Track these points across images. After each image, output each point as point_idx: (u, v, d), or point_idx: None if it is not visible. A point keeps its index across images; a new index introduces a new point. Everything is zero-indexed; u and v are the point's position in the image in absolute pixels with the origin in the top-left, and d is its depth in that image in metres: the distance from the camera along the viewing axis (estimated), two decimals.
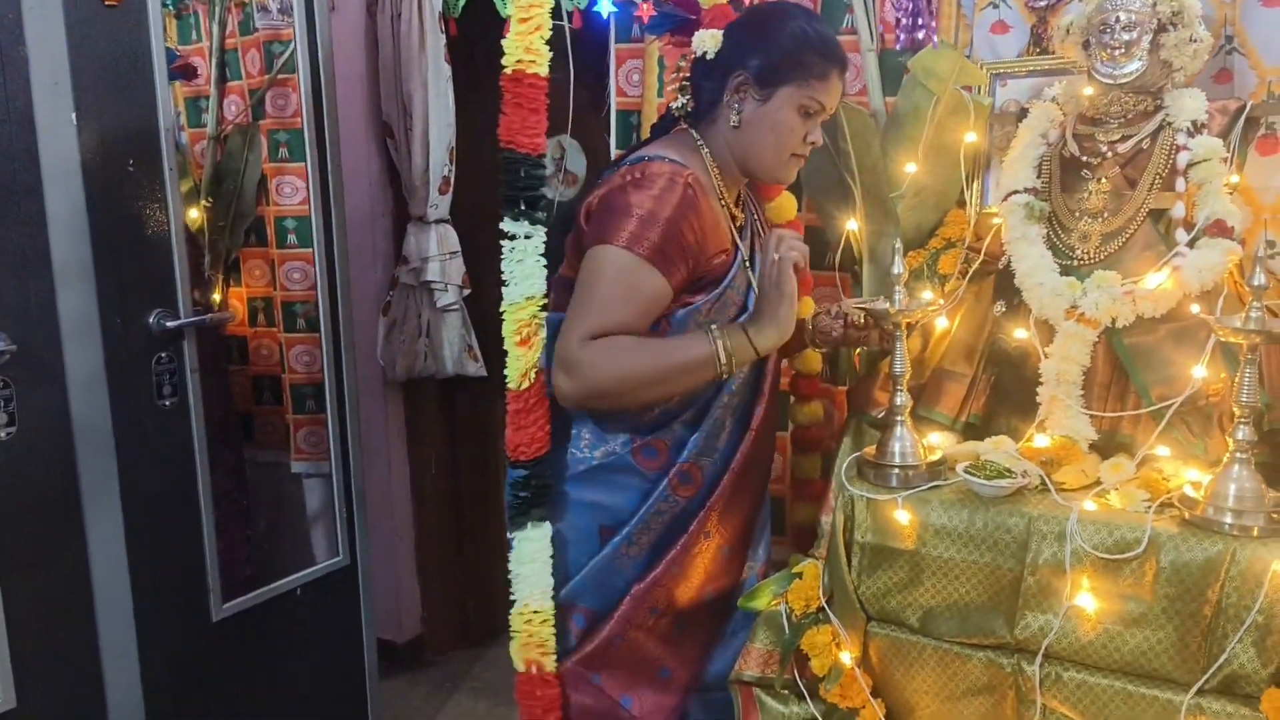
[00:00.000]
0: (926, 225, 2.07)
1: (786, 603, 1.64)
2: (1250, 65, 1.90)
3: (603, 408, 1.61)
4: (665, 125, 1.74)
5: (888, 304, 1.58)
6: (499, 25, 1.63)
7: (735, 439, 1.67)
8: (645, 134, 2.37)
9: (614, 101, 2.52)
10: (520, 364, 1.56)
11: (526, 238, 1.54)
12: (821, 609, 1.61)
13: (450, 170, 2.85)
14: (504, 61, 1.53)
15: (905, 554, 1.54)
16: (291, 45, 2.33)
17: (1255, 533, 1.34)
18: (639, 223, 1.50)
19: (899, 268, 1.58)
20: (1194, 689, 1.36)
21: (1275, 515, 1.35)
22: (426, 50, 2.74)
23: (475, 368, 3.05)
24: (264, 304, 2.69)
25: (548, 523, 1.64)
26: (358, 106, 2.85)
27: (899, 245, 1.60)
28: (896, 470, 1.57)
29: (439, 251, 2.89)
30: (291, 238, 2.60)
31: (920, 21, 1.84)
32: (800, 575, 1.66)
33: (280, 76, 2.52)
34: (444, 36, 2.75)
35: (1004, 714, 1.50)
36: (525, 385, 1.56)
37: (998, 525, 1.47)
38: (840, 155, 2.08)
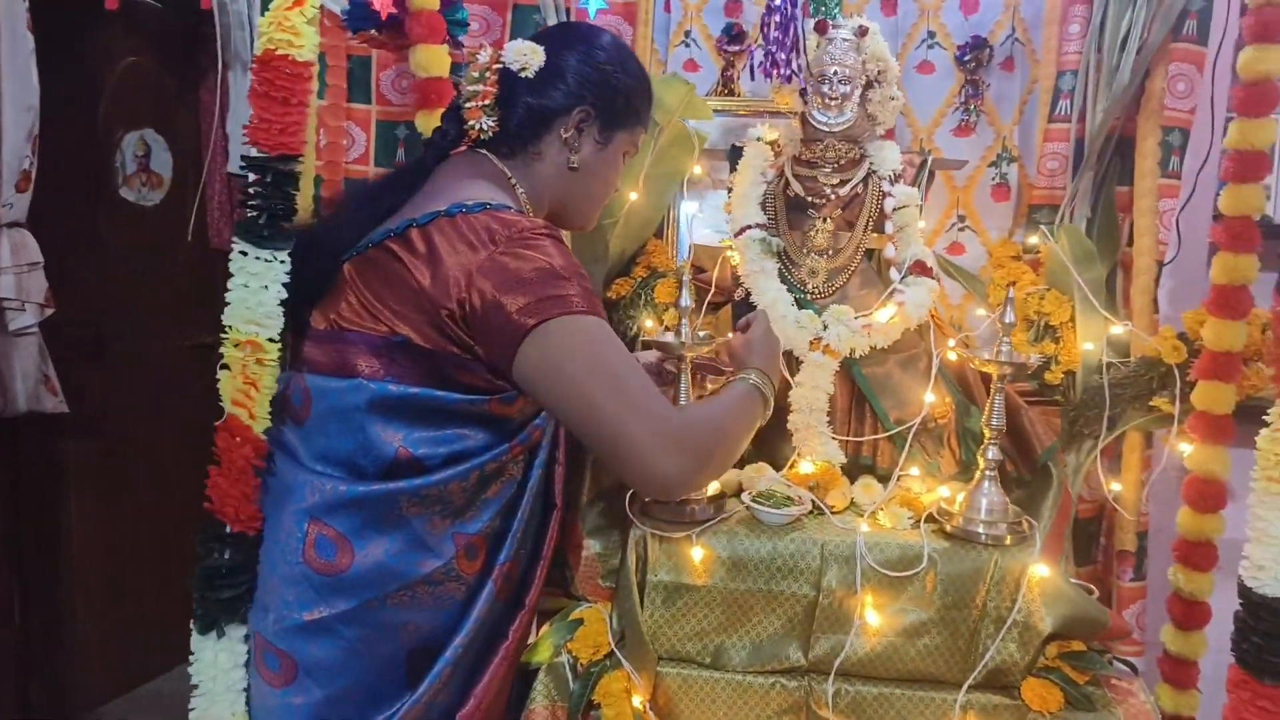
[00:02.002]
0: (629, 253, 2.09)
1: (569, 653, 1.55)
2: (907, 124, 2.17)
3: (704, 484, 1.41)
4: (444, 147, 1.45)
5: (677, 338, 1.56)
6: None
7: (542, 521, 1.46)
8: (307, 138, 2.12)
9: None
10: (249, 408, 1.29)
11: (267, 261, 1.28)
12: (611, 654, 1.54)
13: (32, 163, 2.31)
14: (257, 44, 1.28)
15: (699, 589, 1.53)
16: None
17: (1008, 541, 1.52)
18: (569, 283, 1.24)
19: (686, 300, 1.56)
20: (965, 686, 1.50)
21: (1018, 525, 1.54)
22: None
23: (54, 403, 2.50)
24: None
25: (245, 627, 1.34)
26: None
27: (687, 278, 1.58)
28: (687, 505, 1.55)
29: (13, 262, 2.32)
30: None
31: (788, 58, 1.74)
32: (582, 621, 1.57)
33: None
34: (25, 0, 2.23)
35: None
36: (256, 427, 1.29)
37: (793, 553, 1.51)
38: None
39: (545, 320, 1.21)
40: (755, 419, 1.40)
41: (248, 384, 1.26)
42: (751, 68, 1.75)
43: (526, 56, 1.39)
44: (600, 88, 1.41)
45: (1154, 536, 2.05)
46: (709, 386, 1.64)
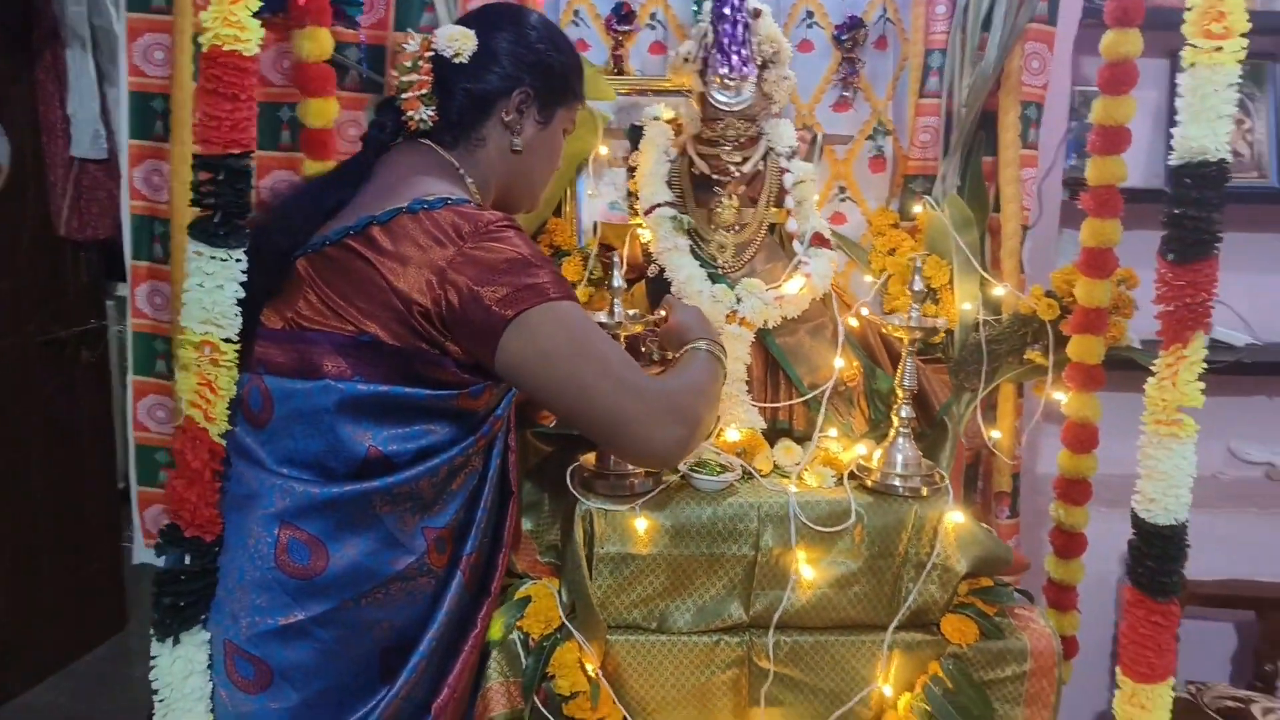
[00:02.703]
0: (530, 232, 2.11)
1: (520, 630, 1.59)
2: (790, 100, 2.26)
3: (696, 447, 1.47)
4: (383, 140, 1.43)
5: (611, 319, 1.60)
6: None
7: (500, 509, 1.48)
8: (183, 120, 2.03)
9: (125, 82, 2.12)
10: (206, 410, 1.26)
11: (223, 260, 1.25)
12: (562, 627, 1.59)
13: None
14: (200, 39, 1.24)
15: (645, 558, 1.59)
16: None
17: (924, 493, 1.65)
18: (541, 270, 1.27)
19: (619, 280, 1.61)
20: (892, 627, 1.63)
21: (931, 478, 1.68)
22: None
23: None
24: None
25: (205, 634, 1.30)
26: None
27: (619, 259, 1.62)
28: (627, 479, 1.61)
29: None
30: None
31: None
32: (530, 599, 1.61)
33: None
34: None
35: (739, 688, 1.63)
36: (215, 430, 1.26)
37: (732, 516, 1.60)
38: None
39: (524, 310, 1.24)
40: (720, 381, 1.49)
41: (204, 385, 1.22)
42: (706, 62, 1.79)
43: (459, 42, 1.40)
44: (536, 67, 1.44)
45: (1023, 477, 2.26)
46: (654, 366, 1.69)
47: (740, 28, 1.68)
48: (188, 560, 1.24)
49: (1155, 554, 1.43)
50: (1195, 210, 1.34)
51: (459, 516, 1.38)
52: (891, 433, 1.70)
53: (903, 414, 1.69)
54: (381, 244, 1.27)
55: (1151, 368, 1.41)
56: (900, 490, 1.65)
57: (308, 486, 1.26)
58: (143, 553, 2.26)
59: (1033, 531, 2.30)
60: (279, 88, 2.12)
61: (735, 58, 1.66)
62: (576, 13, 2.20)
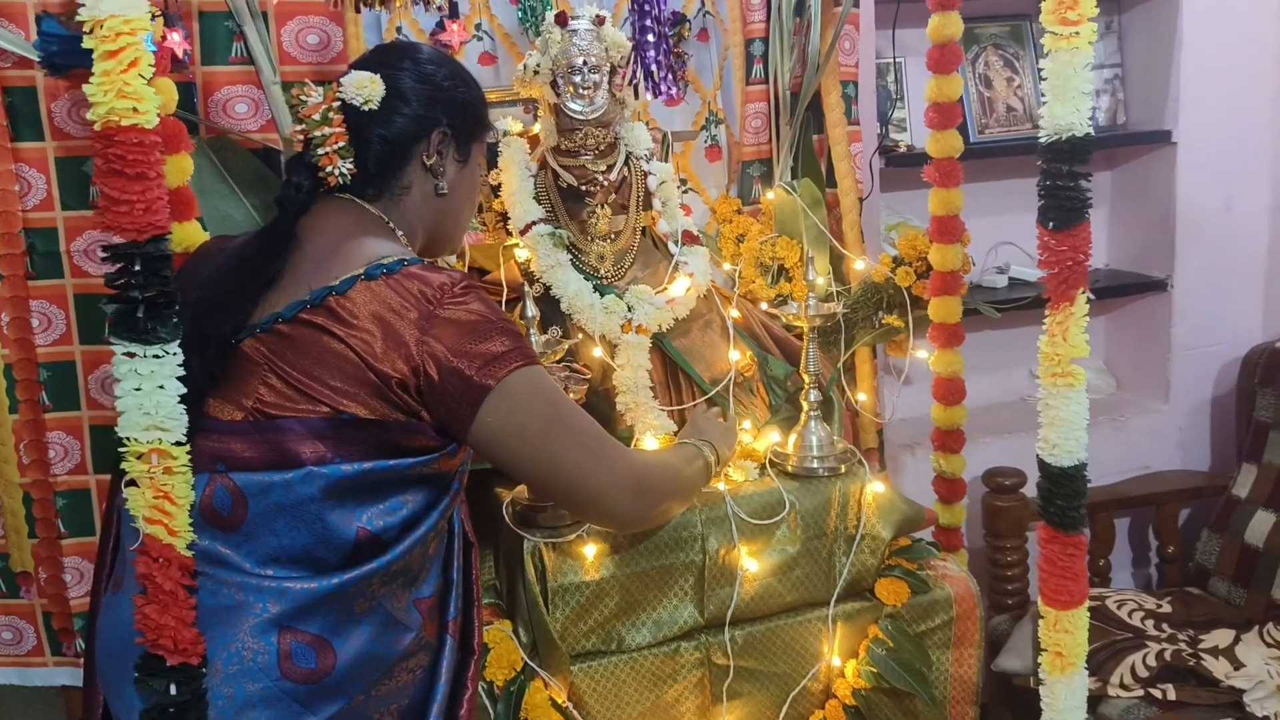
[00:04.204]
0: None
1: (484, 680, 1.55)
2: None
3: (654, 525, 1.50)
4: (300, 201, 1.33)
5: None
6: None
7: (466, 562, 1.43)
8: None
9: None
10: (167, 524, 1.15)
11: (158, 358, 1.13)
12: (525, 667, 1.57)
13: None
14: (90, 115, 1.10)
15: (598, 583, 1.59)
16: None
17: (842, 470, 1.74)
18: (507, 334, 1.24)
19: (532, 310, 1.58)
20: (832, 600, 1.72)
21: (844, 455, 1.77)
22: None
23: None
24: None
25: None
26: None
27: (529, 289, 1.59)
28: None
29: None
30: None
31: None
32: (488, 647, 1.57)
33: None
34: None
35: (702, 689, 1.67)
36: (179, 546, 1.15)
37: (676, 525, 1.62)
38: None
39: (500, 379, 1.22)
40: (701, 483, 1.54)
41: (160, 498, 1.10)
42: (636, 88, 1.76)
43: (368, 88, 1.32)
44: (449, 104, 1.38)
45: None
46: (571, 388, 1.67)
47: (663, 49, 1.67)
48: (174, 691, 1.12)
49: (1064, 493, 1.58)
50: (1067, 181, 1.47)
51: (439, 582, 1.34)
52: (803, 417, 1.77)
53: (811, 398, 1.76)
54: (345, 316, 1.19)
55: (1043, 324, 1.55)
56: (820, 471, 1.73)
57: (303, 584, 1.18)
58: None
59: (895, 480, 2.46)
60: (80, 140, 1.92)
61: (664, 84, 1.66)
62: (399, 29, 2.11)
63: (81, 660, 2.03)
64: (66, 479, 2.00)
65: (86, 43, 1.09)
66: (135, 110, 1.10)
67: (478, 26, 2.15)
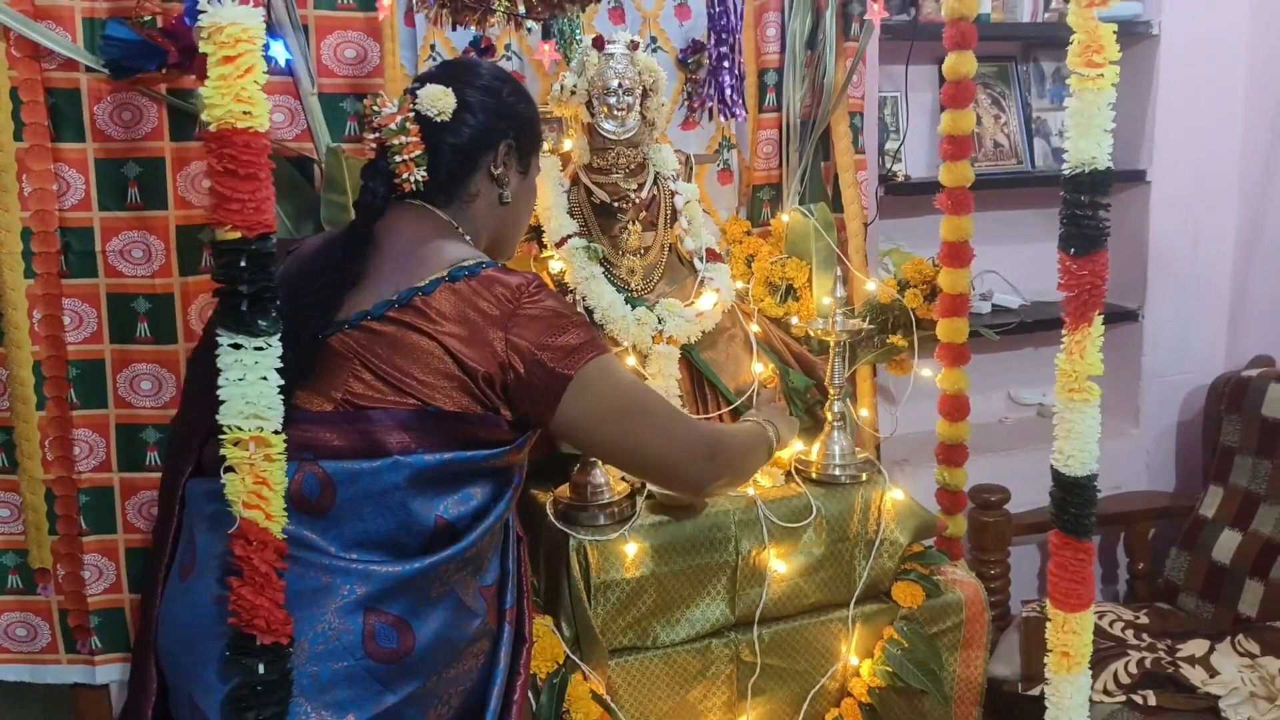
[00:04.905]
0: None
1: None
2: None
3: (725, 489, 1.61)
4: (378, 206, 1.39)
5: None
6: None
7: (518, 555, 1.49)
8: (7, 185, 1.83)
9: None
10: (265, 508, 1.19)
11: (260, 349, 1.18)
12: (567, 660, 1.63)
13: None
14: (205, 116, 1.15)
15: (635, 580, 1.66)
16: None
17: (864, 478, 1.83)
18: (581, 326, 1.35)
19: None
20: (853, 601, 1.80)
21: (864, 464, 1.86)
22: None
23: None
24: None
25: None
26: None
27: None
28: (609, 507, 1.66)
29: None
30: None
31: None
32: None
33: None
34: None
35: (730, 685, 1.74)
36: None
37: (710, 526, 1.70)
38: (331, 206, 1.96)
39: (580, 368, 1.31)
40: (763, 458, 1.68)
41: (259, 483, 1.15)
42: (710, 110, 1.85)
43: (441, 100, 1.41)
44: (513, 119, 1.48)
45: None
46: None
47: (733, 69, 1.78)
48: (262, 670, 1.17)
49: (1076, 501, 1.69)
50: (1087, 211, 1.59)
51: (498, 572, 1.41)
52: (826, 427, 1.87)
53: (835, 409, 1.85)
54: (433, 315, 1.28)
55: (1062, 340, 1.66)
56: (842, 479, 1.82)
57: (387, 567, 1.24)
58: None
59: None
60: (120, 142, 1.95)
61: (736, 106, 1.76)
62: (433, 47, 2.18)
63: (95, 659, 2.05)
64: (91, 476, 2.01)
65: (203, 48, 1.14)
66: (249, 114, 1.16)
67: (507, 47, 2.23)
